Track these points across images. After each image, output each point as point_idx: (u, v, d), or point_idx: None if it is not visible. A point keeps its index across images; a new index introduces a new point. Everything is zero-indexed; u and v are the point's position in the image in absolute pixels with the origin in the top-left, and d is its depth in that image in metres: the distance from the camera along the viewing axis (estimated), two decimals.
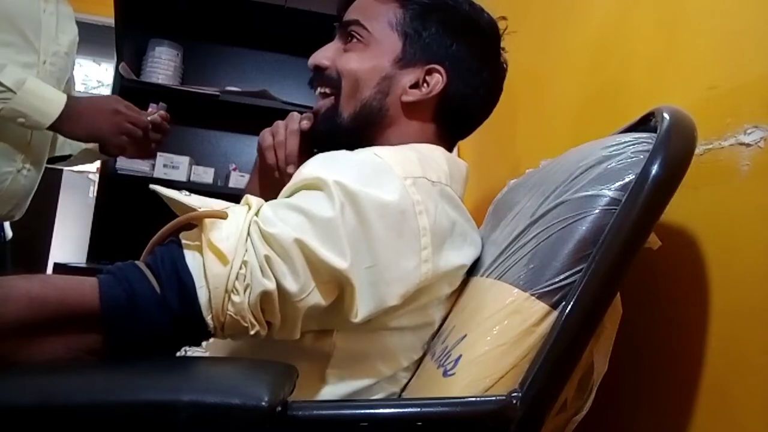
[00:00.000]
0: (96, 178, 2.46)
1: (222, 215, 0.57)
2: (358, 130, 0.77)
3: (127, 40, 2.21)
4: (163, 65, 2.29)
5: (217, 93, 2.20)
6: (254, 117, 2.42)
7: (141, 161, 2.24)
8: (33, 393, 0.45)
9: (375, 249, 0.60)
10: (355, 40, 0.79)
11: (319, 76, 0.80)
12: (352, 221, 0.59)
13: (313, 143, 0.82)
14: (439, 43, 0.77)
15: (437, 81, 0.77)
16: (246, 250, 0.56)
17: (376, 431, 0.51)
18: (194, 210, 0.58)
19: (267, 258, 0.56)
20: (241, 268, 0.55)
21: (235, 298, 0.54)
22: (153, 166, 2.24)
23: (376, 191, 0.61)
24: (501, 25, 0.82)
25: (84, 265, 2.16)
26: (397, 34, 0.78)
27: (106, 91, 3.89)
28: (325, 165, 0.64)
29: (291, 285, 0.56)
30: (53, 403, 0.44)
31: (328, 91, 0.80)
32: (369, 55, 0.78)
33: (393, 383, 0.69)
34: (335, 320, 0.62)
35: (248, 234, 0.57)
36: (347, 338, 0.65)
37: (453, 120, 0.80)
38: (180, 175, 2.22)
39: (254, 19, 2.30)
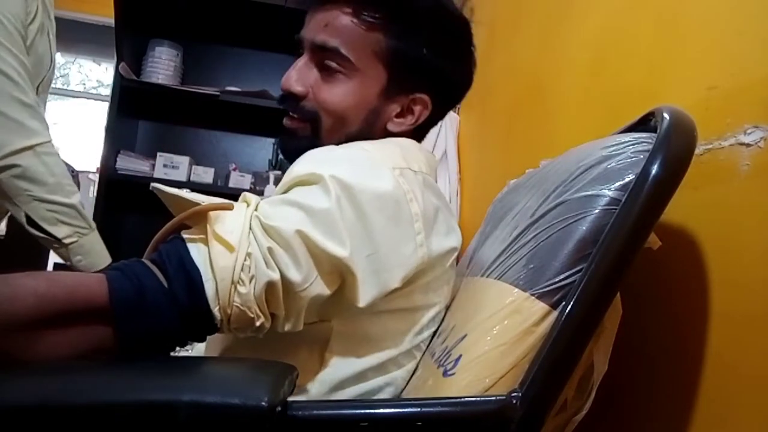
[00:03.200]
0: (96, 178, 2.46)
1: (227, 207, 0.58)
2: None
3: (127, 40, 2.21)
4: (163, 65, 2.29)
5: (217, 93, 2.20)
6: (254, 117, 2.43)
7: (141, 161, 2.24)
8: (34, 393, 0.44)
9: (374, 238, 0.61)
10: (336, 68, 0.74)
11: (293, 105, 0.76)
12: (349, 213, 0.60)
13: (286, 157, 0.79)
14: (422, 71, 0.75)
15: (421, 109, 0.76)
16: (249, 243, 0.56)
17: (376, 431, 0.51)
18: (198, 204, 0.58)
19: (270, 249, 0.56)
20: (245, 259, 0.55)
21: (242, 289, 0.55)
22: (153, 166, 2.24)
23: (370, 183, 0.62)
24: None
25: None
26: (382, 64, 0.74)
27: (106, 91, 3.88)
28: (317, 161, 0.65)
29: (294, 275, 0.57)
30: (54, 403, 0.44)
31: (302, 119, 0.76)
32: (353, 89, 0.74)
33: (395, 365, 0.69)
34: (336, 309, 0.63)
35: (250, 228, 0.57)
36: (345, 322, 0.66)
37: (426, 130, 0.83)
38: (180, 175, 2.22)
39: (254, 19, 2.30)
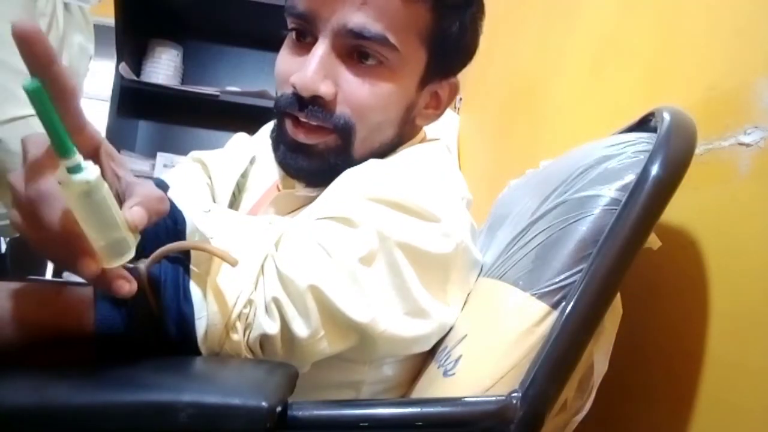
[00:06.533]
0: None
1: (232, 263, 0.51)
2: (364, 160, 0.64)
3: (127, 40, 2.21)
4: (163, 65, 2.28)
5: (217, 93, 2.20)
6: (254, 117, 2.42)
7: (141, 161, 2.24)
8: (33, 393, 0.44)
9: (405, 303, 0.57)
10: (376, 62, 0.60)
11: (319, 112, 0.61)
12: (383, 272, 0.55)
13: (300, 179, 0.69)
14: (461, 50, 0.66)
15: (448, 94, 0.68)
16: (255, 289, 0.52)
17: (376, 431, 0.51)
18: (206, 240, 0.53)
19: (275, 299, 0.52)
20: (245, 306, 0.51)
21: (234, 336, 0.51)
22: (153, 166, 2.24)
23: (418, 241, 0.56)
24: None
25: None
26: (425, 47, 0.62)
27: (106, 91, 3.88)
28: (361, 203, 0.56)
29: (300, 329, 0.52)
30: (53, 403, 0.44)
31: (324, 126, 0.62)
32: (397, 86, 0.62)
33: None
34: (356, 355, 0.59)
35: (262, 269, 0.52)
36: (377, 371, 0.63)
37: None
38: None
39: (254, 19, 2.30)
